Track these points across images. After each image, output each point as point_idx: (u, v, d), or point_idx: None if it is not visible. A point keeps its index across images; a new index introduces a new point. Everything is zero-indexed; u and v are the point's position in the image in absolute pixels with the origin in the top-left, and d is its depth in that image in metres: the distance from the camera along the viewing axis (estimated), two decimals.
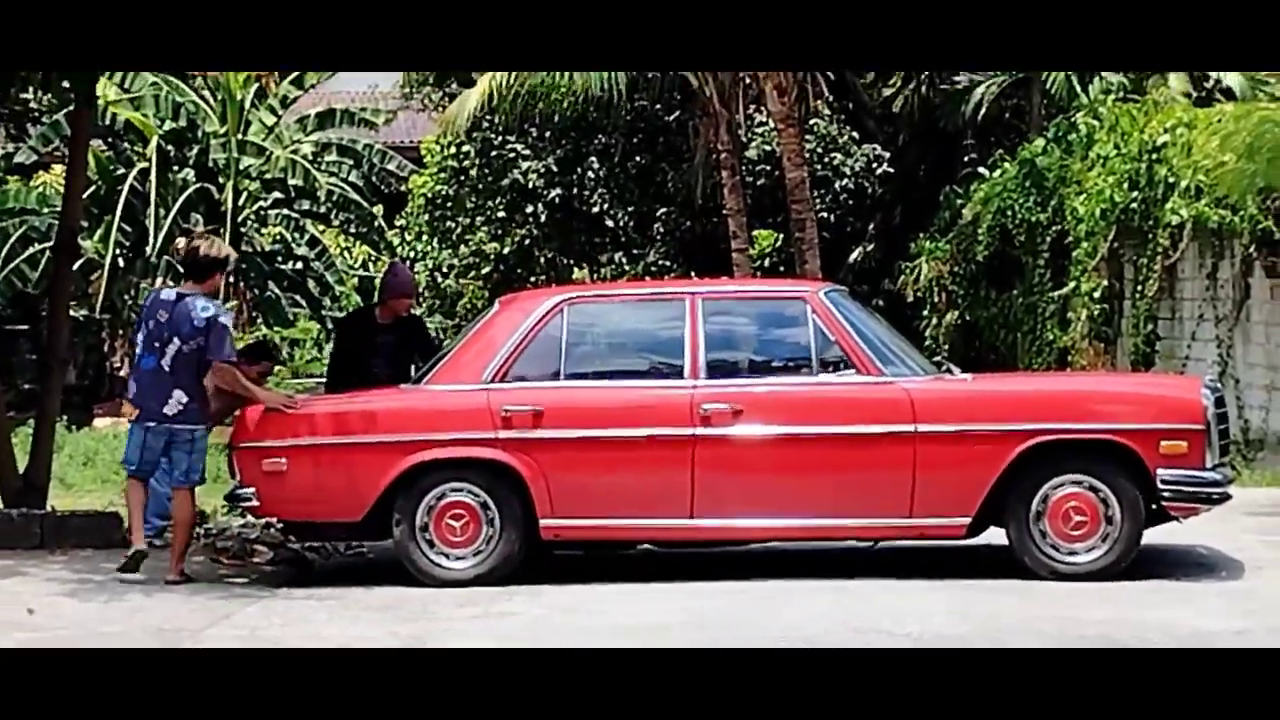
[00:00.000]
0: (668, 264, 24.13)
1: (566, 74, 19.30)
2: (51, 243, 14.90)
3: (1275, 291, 14.24)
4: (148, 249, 20.37)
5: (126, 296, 21.05)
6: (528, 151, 24.23)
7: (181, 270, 9.88)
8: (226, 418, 9.75)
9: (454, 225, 25.24)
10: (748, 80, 20.99)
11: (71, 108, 12.68)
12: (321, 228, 23.40)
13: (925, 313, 20.52)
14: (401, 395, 9.29)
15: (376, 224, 23.09)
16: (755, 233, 22.50)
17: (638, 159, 24.37)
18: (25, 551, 10.22)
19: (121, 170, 21.07)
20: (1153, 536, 8.76)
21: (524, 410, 8.81)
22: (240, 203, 21.47)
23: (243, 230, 21.58)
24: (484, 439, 8.84)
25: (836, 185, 23.63)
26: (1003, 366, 18.60)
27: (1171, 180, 15.48)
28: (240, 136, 21.64)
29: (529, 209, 24.39)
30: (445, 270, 25.55)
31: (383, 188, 23.42)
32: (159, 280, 19.77)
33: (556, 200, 24.31)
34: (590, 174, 24.31)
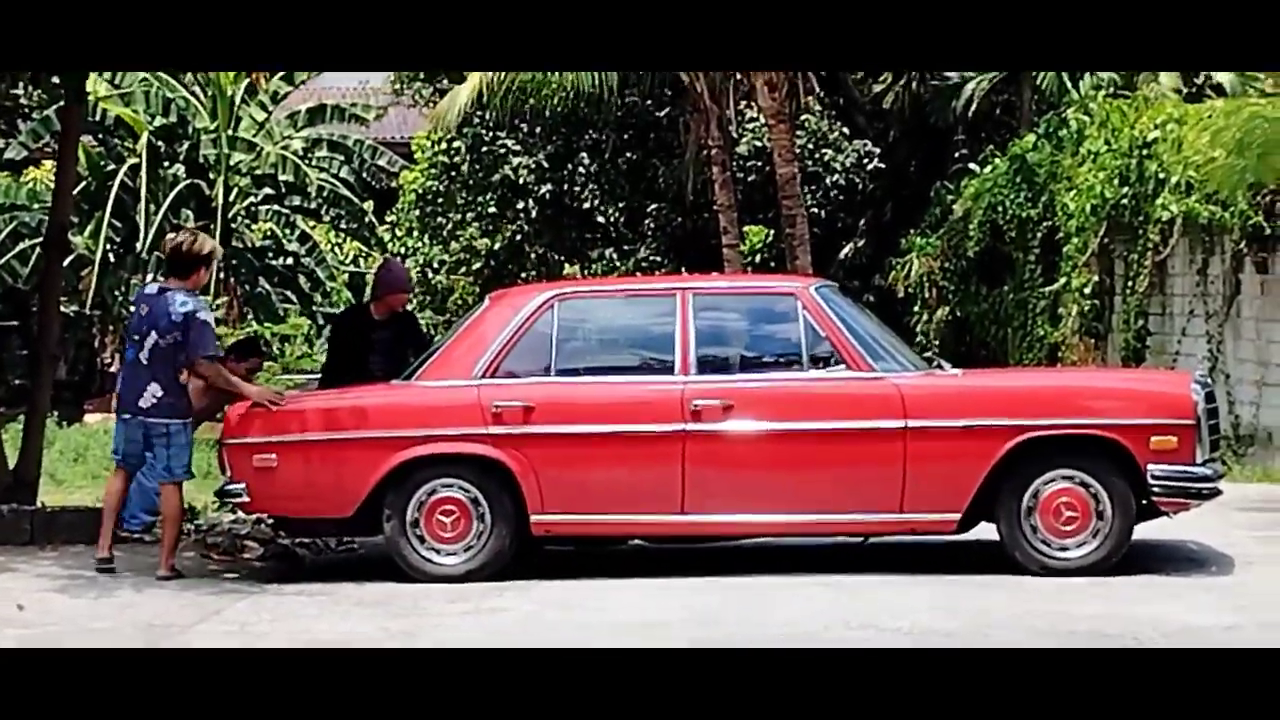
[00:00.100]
0: (658, 260, 24.11)
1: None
2: (42, 238, 14.89)
3: (1265, 287, 14.24)
4: (138, 245, 20.33)
5: (117, 292, 20.98)
6: (518, 147, 24.23)
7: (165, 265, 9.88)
8: (216, 413, 9.74)
9: (445, 221, 25.21)
10: (739, 76, 20.97)
11: (62, 104, 12.67)
12: (312, 223, 23.37)
13: (916, 308, 20.50)
14: (392, 391, 9.25)
15: (367, 220, 23.05)
16: (746, 228, 22.47)
17: (628, 155, 24.36)
18: (15, 547, 10.19)
19: (112, 166, 21.01)
20: (1143, 532, 8.76)
21: (514, 406, 8.80)
22: (231, 198, 21.42)
23: (233, 226, 21.53)
24: (475, 435, 8.83)
25: (827, 181, 23.66)
26: (993, 362, 18.61)
27: (1162, 176, 15.48)
28: (231, 132, 21.58)
29: (520, 205, 24.39)
30: (436, 266, 25.51)
31: (373, 183, 23.35)
32: (149, 276, 19.71)
33: (547, 196, 24.31)
34: (581, 170, 24.30)
